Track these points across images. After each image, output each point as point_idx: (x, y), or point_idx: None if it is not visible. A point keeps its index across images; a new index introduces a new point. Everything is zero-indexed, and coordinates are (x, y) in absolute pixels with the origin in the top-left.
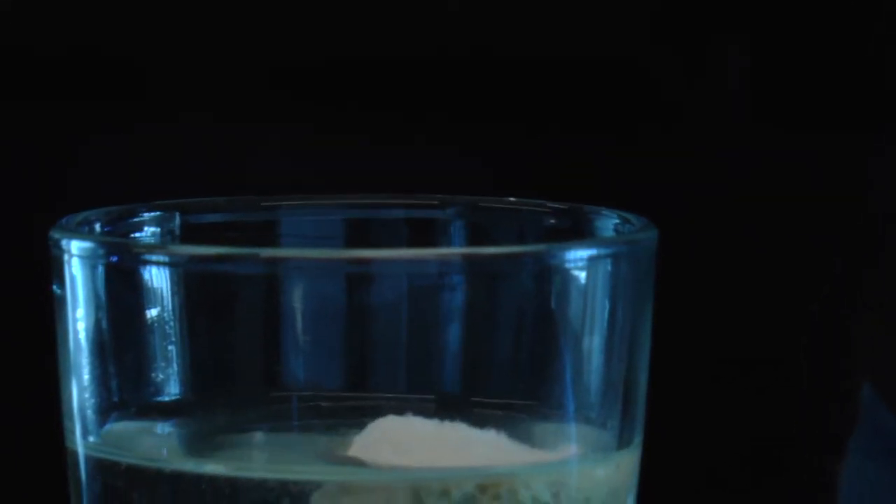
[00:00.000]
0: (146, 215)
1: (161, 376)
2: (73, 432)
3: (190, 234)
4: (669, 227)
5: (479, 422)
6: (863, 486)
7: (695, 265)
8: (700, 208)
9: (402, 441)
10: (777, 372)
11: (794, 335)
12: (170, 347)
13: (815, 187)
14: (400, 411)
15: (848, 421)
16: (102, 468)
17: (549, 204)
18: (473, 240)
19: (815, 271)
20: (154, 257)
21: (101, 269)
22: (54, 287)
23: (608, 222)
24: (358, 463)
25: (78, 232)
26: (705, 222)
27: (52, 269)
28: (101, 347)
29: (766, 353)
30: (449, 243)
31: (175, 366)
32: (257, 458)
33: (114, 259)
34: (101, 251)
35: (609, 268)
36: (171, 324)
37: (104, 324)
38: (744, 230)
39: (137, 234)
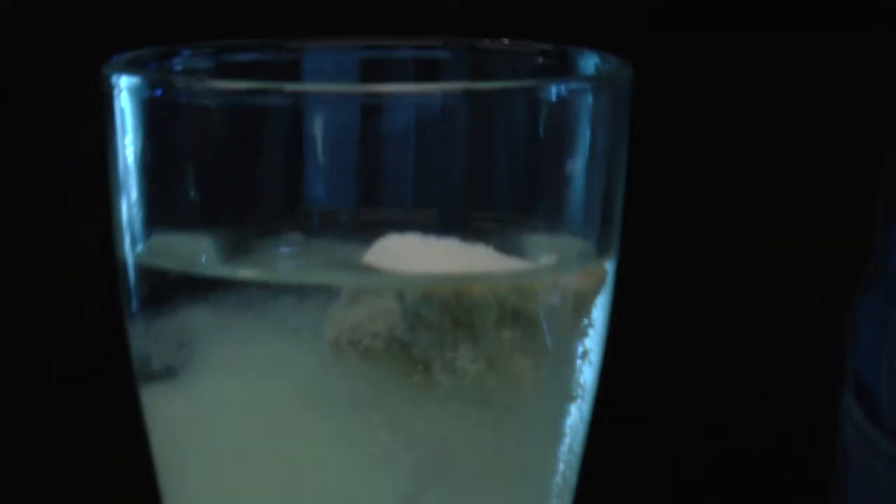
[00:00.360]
0: (186, 54)
1: (199, 194)
2: (122, 244)
3: (224, 71)
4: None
5: (477, 234)
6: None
7: None
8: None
9: (401, 254)
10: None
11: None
12: (206, 169)
13: None
14: (407, 225)
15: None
16: (148, 274)
17: (538, 45)
18: (473, 76)
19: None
20: (193, 91)
21: (146, 101)
22: (105, 118)
23: (589, 61)
24: (366, 270)
25: (126, 68)
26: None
27: (104, 101)
28: (147, 169)
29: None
30: (451, 79)
31: (211, 185)
32: (283, 265)
33: (158, 92)
34: (147, 85)
35: (590, 100)
36: (208, 149)
37: (149, 149)
38: None
39: (178, 71)
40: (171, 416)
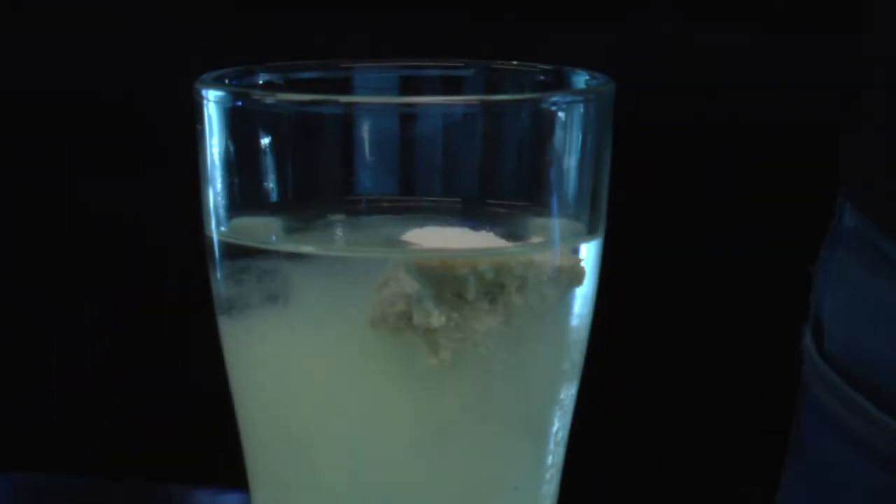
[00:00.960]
0: (260, 73)
1: (270, 185)
2: (209, 224)
3: (290, 86)
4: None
5: (491, 217)
6: (857, 294)
7: None
8: None
9: (421, 237)
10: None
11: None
12: (276, 165)
13: None
14: (435, 211)
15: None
16: (230, 248)
17: (540, 65)
18: (487, 90)
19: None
20: (266, 101)
21: (229, 110)
22: (196, 123)
23: (581, 78)
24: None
25: (213, 84)
26: None
27: (195, 111)
28: (229, 165)
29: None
30: (470, 92)
31: (280, 177)
32: (338, 242)
33: (238, 103)
34: (230, 97)
35: (582, 109)
36: (277, 148)
37: (231, 149)
38: None
39: (254, 86)
40: (246, 350)
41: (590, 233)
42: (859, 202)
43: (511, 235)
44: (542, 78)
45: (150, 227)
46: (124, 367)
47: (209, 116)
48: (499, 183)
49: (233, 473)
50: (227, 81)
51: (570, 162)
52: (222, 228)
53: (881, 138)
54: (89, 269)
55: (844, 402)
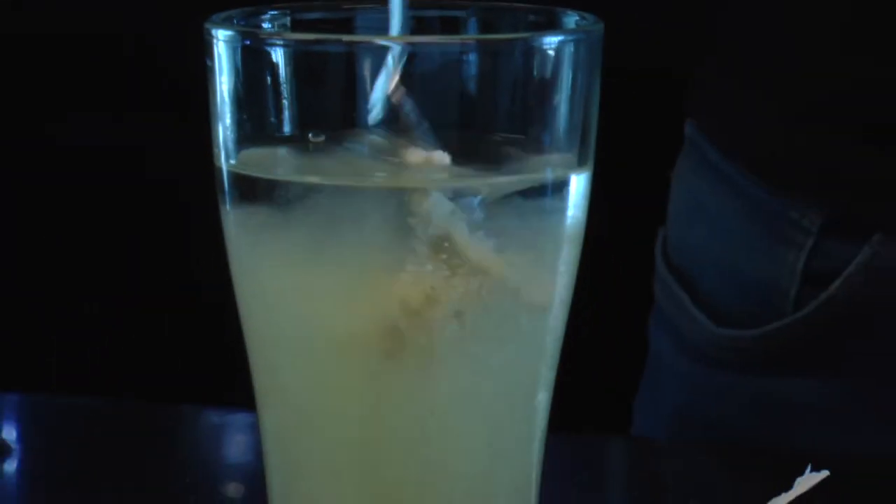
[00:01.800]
0: (268, 14)
1: (276, 119)
2: (219, 156)
3: (296, 26)
4: None
5: (487, 151)
6: (690, 198)
7: None
8: None
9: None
10: None
11: None
12: (282, 100)
13: None
14: (432, 142)
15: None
16: (238, 179)
17: (533, 6)
18: (484, 30)
19: None
20: (273, 41)
21: (238, 49)
22: (207, 61)
23: (571, 19)
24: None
25: (223, 24)
26: None
27: (205, 50)
28: (237, 101)
29: None
30: (467, 32)
31: (285, 112)
32: (340, 172)
33: (247, 42)
34: (237, 37)
35: (572, 48)
36: (283, 85)
37: (239, 85)
38: None
39: (261, 26)
40: (254, 270)
41: (579, 166)
42: (695, 115)
43: (502, 166)
44: (534, 18)
45: (163, 159)
46: (137, 291)
47: (219, 55)
48: (493, 117)
49: (242, 395)
50: (235, 22)
51: (562, 97)
52: (231, 161)
53: (712, 59)
54: (104, 202)
55: (673, 299)
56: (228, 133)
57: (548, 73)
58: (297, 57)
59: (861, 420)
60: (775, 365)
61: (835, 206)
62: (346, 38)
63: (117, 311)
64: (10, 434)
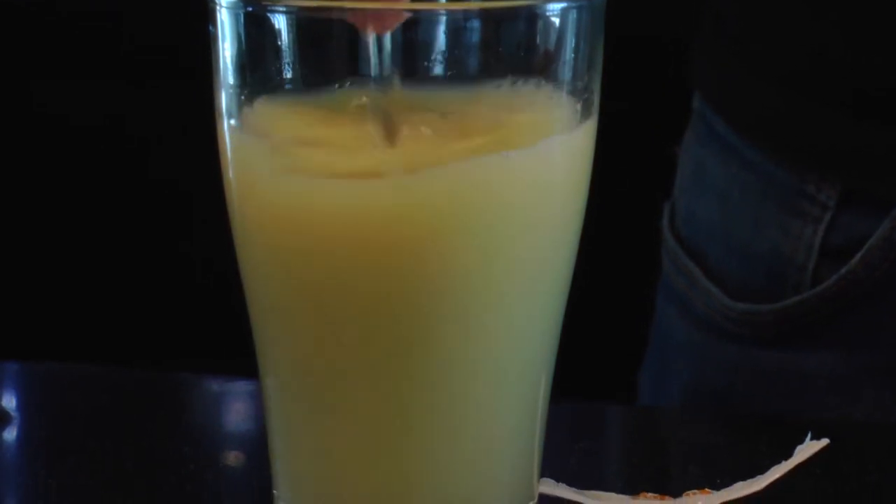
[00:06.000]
0: None
1: (278, 83)
2: (221, 118)
3: None
4: None
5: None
6: (698, 170)
7: None
8: None
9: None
10: None
11: None
12: (285, 63)
13: None
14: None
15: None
16: (242, 141)
17: None
18: None
19: None
20: (275, 8)
21: (241, 15)
22: (209, 27)
23: None
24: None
25: None
26: None
27: (209, 15)
28: (241, 65)
29: None
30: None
31: (290, 71)
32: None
33: (249, 9)
34: (241, 4)
35: (575, 15)
36: (286, 50)
37: (242, 50)
38: None
39: None
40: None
41: (583, 117)
42: (702, 88)
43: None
44: None
45: (162, 124)
46: (137, 258)
47: (222, 21)
48: (497, 86)
49: (244, 363)
50: None
51: (566, 59)
52: (233, 122)
53: (717, 33)
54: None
55: (683, 272)
56: (231, 96)
57: (553, 38)
58: (299, 23)
59: (875, 394)
60: (790, 338)
61: (852, 180)
62: (349, 5)
63: (117, 278)
64: (10, 402)
